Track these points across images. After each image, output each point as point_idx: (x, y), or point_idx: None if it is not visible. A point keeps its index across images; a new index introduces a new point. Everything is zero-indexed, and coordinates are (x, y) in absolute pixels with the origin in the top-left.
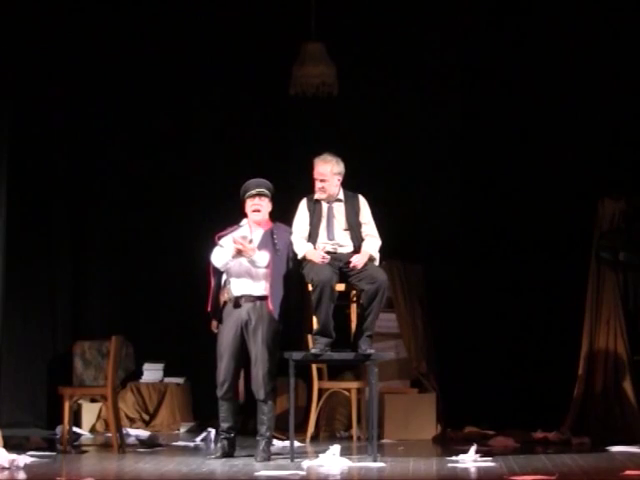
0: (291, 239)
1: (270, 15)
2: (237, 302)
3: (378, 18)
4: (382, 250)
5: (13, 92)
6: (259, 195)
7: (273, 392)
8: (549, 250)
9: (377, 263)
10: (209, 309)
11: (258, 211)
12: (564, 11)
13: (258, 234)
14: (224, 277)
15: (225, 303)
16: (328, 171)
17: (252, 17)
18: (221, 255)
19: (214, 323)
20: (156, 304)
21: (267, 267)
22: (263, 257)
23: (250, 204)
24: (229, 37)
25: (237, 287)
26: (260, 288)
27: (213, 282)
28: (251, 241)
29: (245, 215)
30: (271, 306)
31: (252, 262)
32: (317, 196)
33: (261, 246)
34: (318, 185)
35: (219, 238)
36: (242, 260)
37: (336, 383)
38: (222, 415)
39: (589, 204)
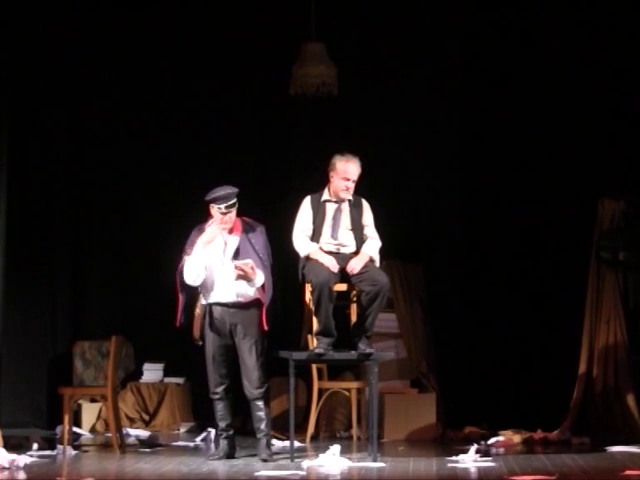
0: (265, 238)
1: (270, 15)
2: (224, 306)
3: (378, 18)
4: (382, 251)
5: (13, 91)
6: (228, 212)
7: (267, 390)
8: (549, 250)
9: (377, 264)
10: (178, 324)
11: (226, 224)
12: (564, 11)
13: (234, 241)
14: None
15: (201, 315)
16: (357, 173)
17: (252, 17)
18: (192, 269)
19: (195, 335)
20: (156, 304)
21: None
22: (260, 277)
23: (219, 218)
24: (229, 37)
25: (223, 294)
26: (248, 295)
27: (182, 296)
28: (253, 267)
29: (211, 216)
30: (264, 317)
31: (251, 283)
32: (343, 195)
33: (243, 254)
34: (347, 184)
35: (188, 249)
36: (216, 266)
37: (336, 383)
38: (219, 414)
39: (589, 204)
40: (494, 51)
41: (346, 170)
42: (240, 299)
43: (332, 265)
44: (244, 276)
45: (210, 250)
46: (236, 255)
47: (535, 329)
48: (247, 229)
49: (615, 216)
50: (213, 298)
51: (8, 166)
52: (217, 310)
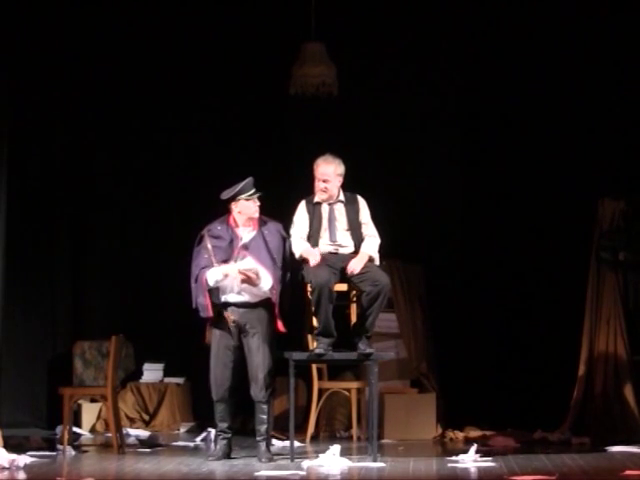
0: (283, 237)
1: (270, 15)
2: (232, 306)
3: (378, 18)
4: (382, 250)
5: (13, 91)
6: (256, 197)
7: (272, 393)
8: (549, 250)
9: (377, 262)
10: (211, 314)
11: (256, 214)
12: (564, 12)
13: (247, 237)
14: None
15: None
16: (331, 172)
17: (252, 17)
18: (214, 276)
19: (208, 335)
20: (156, 304)
21: (271, 289)
22: (267, 281)
23: (252, 208)
24: (229, 37)
25: (232, 293)
26: (258, 296)
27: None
28: (257, 272)
29: (228, 212)
30: (279, 319)
31: (257, 288)
32: (318, 197)
33: (255, 251)
34: (320, 186)
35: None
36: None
37: (336, 383)
38: (220, 415)
39: (589, 204)
40: (494, 50)
41: (319, 170)
42: (249, 298)
43: (316, 258)
44: (248, 281)
45: (222, 247)
46: (256, 253)
47: (535, 329)
48: (263, 226)
49: (615, 216)
50: (223, 297)
51: (8, 166)
52: (229, 318)
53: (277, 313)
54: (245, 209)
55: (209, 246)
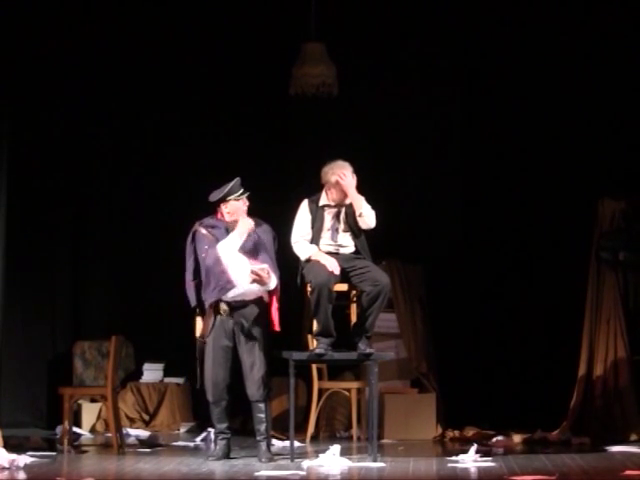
0: (274, 237)
1: (270, 15)
2: (228, 304)
3: (378, 18)
4: (382, 250)
5: (13, 93)
6: (245, 197)
7: (268, 392)
8: (549, 250)
9: (369, 217)
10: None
11: (245, 213)
12: (563, 13)
13: (244, 235)
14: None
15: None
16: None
17: (252, 17)
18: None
19: (199, 327)
20: (156, 304)
21: (275, 289)
22: (273, 281)
23: (239, 205)
24: (229, 37)
25: (231, 291)
26: (254, 293)
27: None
28: (269, 272)
29: (215, 214)
30: (275, 318)
31: (265, 287)
32: (345, 202)
33: (253, 251)
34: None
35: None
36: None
37: (336, 383)
38: (217, 417)
39: (589, 204)
40: (495, 50)
41: (343, 185)
42: (245, 296)
43: (334, 267)
44: (259, 280)
45: (219, 234)
46: (253, 253)
47: (535, 329)
48: (257, 227)
49: (615, 216)
50: (218, 295)
51: (8, 167)
52: (222, 308)
53: (276, 312)
54: (235, 209)
55: (204, 232)
